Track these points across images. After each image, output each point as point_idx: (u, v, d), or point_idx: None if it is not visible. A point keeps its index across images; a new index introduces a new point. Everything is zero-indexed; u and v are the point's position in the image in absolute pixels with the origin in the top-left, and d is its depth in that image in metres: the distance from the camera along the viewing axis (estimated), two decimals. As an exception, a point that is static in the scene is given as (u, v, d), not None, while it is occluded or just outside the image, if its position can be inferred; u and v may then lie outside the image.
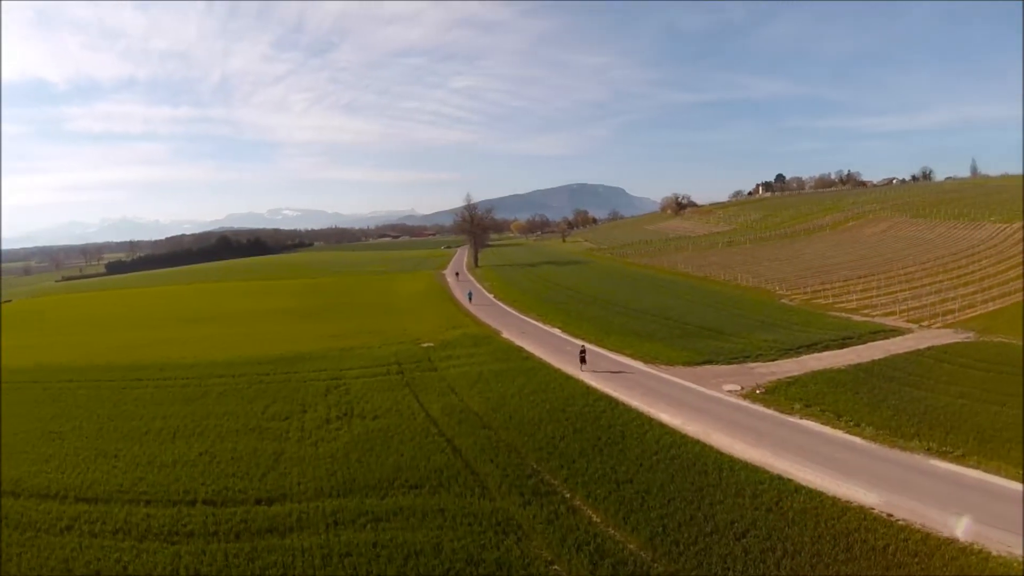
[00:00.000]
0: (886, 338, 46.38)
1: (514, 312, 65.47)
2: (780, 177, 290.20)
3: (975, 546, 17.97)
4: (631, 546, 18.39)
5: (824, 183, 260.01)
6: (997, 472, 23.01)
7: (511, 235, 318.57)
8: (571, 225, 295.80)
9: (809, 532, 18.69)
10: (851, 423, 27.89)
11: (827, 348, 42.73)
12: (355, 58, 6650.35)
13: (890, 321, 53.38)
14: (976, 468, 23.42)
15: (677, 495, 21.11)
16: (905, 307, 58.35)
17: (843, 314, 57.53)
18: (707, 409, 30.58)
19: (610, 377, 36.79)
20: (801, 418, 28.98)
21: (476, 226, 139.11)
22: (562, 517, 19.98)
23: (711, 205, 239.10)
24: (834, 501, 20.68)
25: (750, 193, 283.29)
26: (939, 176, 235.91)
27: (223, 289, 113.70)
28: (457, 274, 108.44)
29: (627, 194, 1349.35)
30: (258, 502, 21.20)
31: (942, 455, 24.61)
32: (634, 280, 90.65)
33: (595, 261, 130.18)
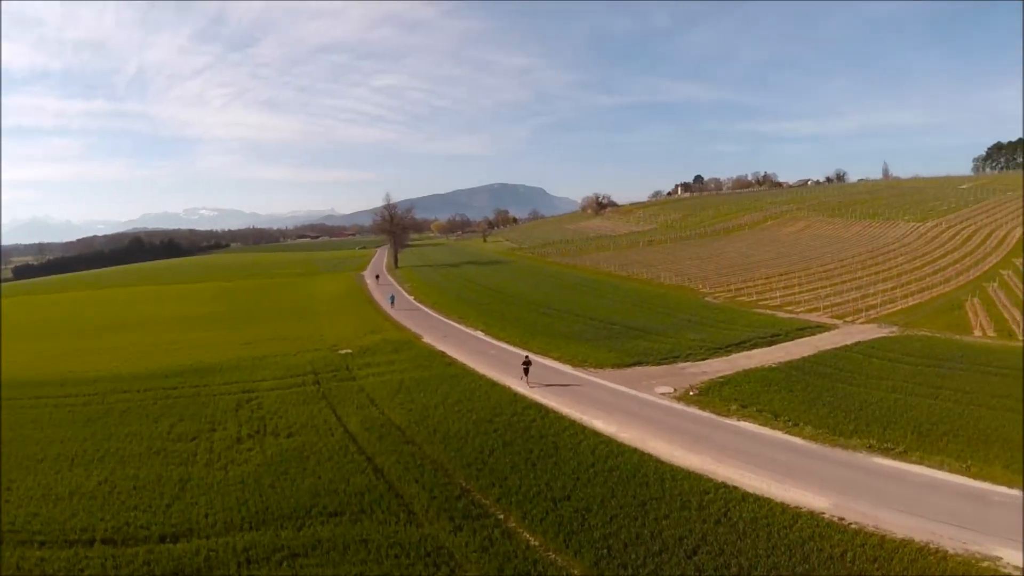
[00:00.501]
0: (813, 334, 48.06)
1: (435, 314, 64.93)
2: (699, 178, 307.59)
3: (931, 546, 18.03)
4: (575, 572, 17.23)
5: (741, 184, 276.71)
6: (941, 467, 23.63)
7: (432, 235, 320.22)
8: (492, 225, 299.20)
9: (763, 543, 18.11)
10: (789, 423, 28.18)
11: (756, 346, 43.76)
12: (277, 53, 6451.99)
13: (815, 317, 55.56)
14: (920, 464, 23.98)
15: (620, 511, 20.15)
16: (828, 303, 61.05)
17: (768, 311, 59.52)
18: (641, 413, 30.13)
19: (537, 379, 35.95)
20: (738, 419, 29.07)
21: (396, 226, 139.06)
22: (497, 543, 18.67)
23: (631, 205, 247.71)
24: (784, 508, 20.37)
25: (669, 193, 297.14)
26: (852, 178, 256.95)
27: (133, 295, 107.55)
28: (377, 276, 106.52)
29: (547, 194, 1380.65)
30: (162, 539, 19.67)
31: (884, 452, 25.15)
32: (557, 279, 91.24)
33: (517, 260, 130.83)
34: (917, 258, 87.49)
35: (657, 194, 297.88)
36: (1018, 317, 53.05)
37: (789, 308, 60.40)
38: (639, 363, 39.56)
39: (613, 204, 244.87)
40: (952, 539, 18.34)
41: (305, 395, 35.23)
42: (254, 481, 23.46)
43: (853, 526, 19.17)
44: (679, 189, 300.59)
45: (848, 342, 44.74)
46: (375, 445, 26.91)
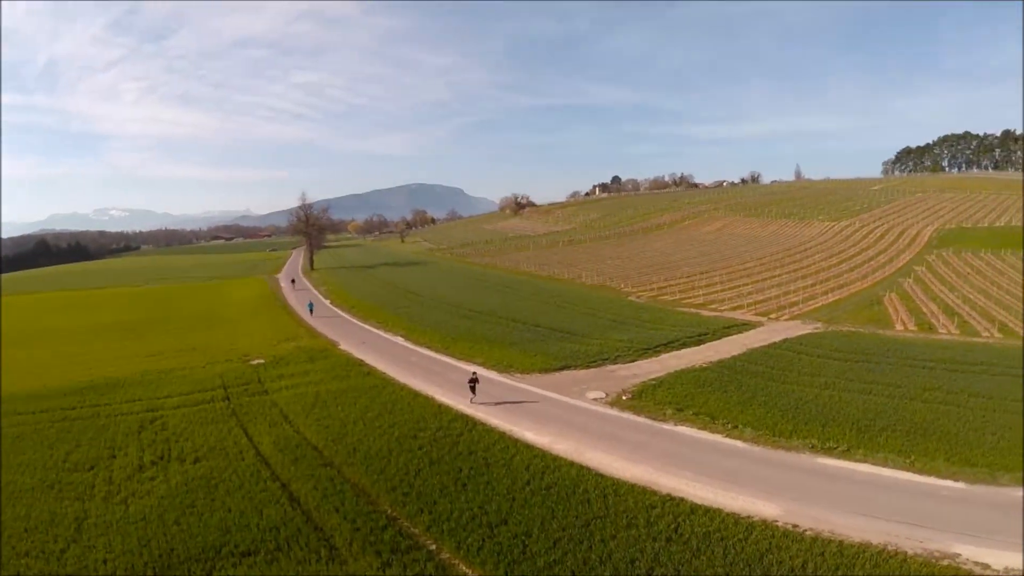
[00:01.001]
0: (740, 332, 49.32)
1: (352, 319, 62.95)
2: (616, 179, 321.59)
3: (890, 548, 18.07)
4: (520, 609, 15.89)
5: (659, 185, 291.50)
6: (885, 464, 24.10)
7: (349, 236, 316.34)
8: (410, 225, 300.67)
9: (719, 560, 17.43)
10: (728, 425, 28.19)
11: (685, 345, 44.29)
12: (193, 46, 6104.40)
13: (739, 315, 57.23)
14: (864, 462, 24.41)
15: (563, 534, 18.93)
16: (751, 301, 63.25)
17: (692, 310, 60.86)
18: (575, 422, 29.26)
19: (463, 390, 34.25)
20: (676, 424, 28.81)
21: (312, 227, 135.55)
22: (431, 578, 17.31)
23: (550, 205, 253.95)
24: (735, 519, 19.90)
25: (587, 194, 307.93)
26: (766, 179, 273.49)
27: (34, 302, 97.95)
28: (293, 280, 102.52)
29: (466, 194, 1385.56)
30: (55, 593, 17.66)
31: (827, 451, 25.45)
32: (478, 281, 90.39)
33: (436, 261, 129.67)
34: (833, 255, 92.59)
35: (575, 194, 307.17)
36: (936, 311, 56.62)
37: (713, 306, 61.96)
38: (567, 367, 38.96)
39: (532, 204, 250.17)
40: (909, 539, 18.50)
41: (214, 413, 33.21)
42: (157, 517, 21.47)
43: (809, 533, 18.97)
44: (597, 189, 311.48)
45: (775, 339, 46.05)
46: (290, 469, 25.10)
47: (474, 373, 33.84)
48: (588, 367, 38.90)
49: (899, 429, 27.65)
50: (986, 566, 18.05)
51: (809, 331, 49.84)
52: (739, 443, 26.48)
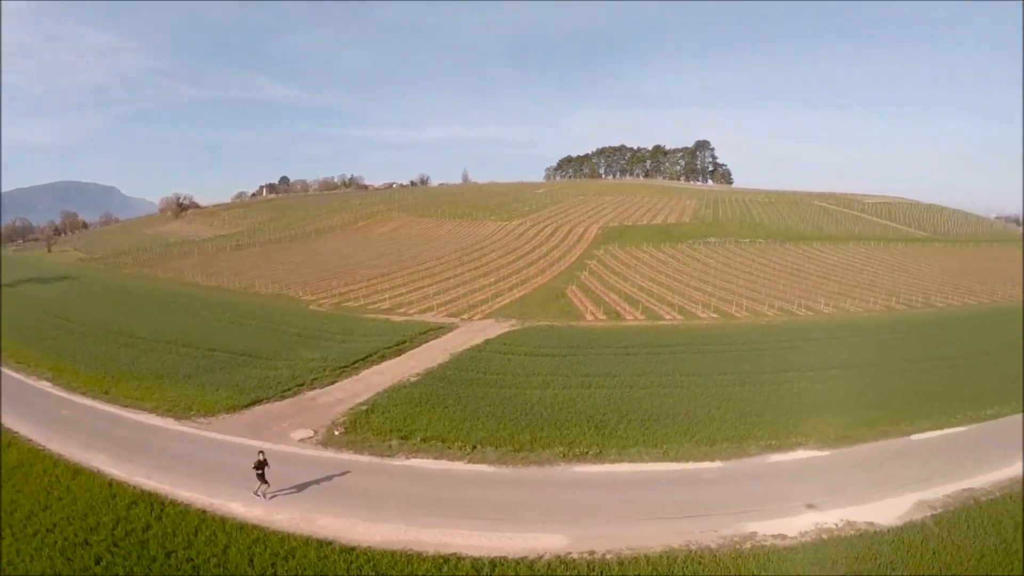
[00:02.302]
0: (437, 336, 47.96)
1: None
2: (285, 179, 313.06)
3: (695, 550, 18.16)
4: None
5: (328, 186, 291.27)
6: (641, 459, 24.50)
7: None
8: (59, 231, 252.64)
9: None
10: (465, 448, 25.63)
11: (384, 358, 41.10)
12: None
13: (431, 318, 56.17)
14: (620, 462, 24.35)
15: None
16: (439, 302, 63.06)
17: (381, 316, 58.27)
18: (288, 477, 23.30)
19: (133, 451, 26.16)
20: (407, 458, 25.33)
21: None
22: None
23: (215, 207, 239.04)
24: (528, 564, 17.54)
25: (254, 195, 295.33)
26: (434, 182, 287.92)
27: None
28: None
29: (122, 194, 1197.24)
30: None
31: (579, 457, 24.74)
32: (138, 297, 75.16)
33: (88, 275, 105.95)
34: (510, 253, 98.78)
35: (241, 195, 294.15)
36: (618, 300, 62.73)
37: (401, 310, 60.16)
38: (259, 400, 32.44)
39: (195, 205, 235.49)
40: (703, 532, 19.15)
41: None
42: None
43: (610, 557, 17.89)
44: (264, 190, 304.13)
45: (477, 341, 45.62)
46: None
47: (261, 453, 22.67)
48: (283, 397, 33.05)
49: (634, 419, 28.39)
50: (783, 536, 19.18)
51: (507, 329, 50.70)
52: (485, 467, 24.23)
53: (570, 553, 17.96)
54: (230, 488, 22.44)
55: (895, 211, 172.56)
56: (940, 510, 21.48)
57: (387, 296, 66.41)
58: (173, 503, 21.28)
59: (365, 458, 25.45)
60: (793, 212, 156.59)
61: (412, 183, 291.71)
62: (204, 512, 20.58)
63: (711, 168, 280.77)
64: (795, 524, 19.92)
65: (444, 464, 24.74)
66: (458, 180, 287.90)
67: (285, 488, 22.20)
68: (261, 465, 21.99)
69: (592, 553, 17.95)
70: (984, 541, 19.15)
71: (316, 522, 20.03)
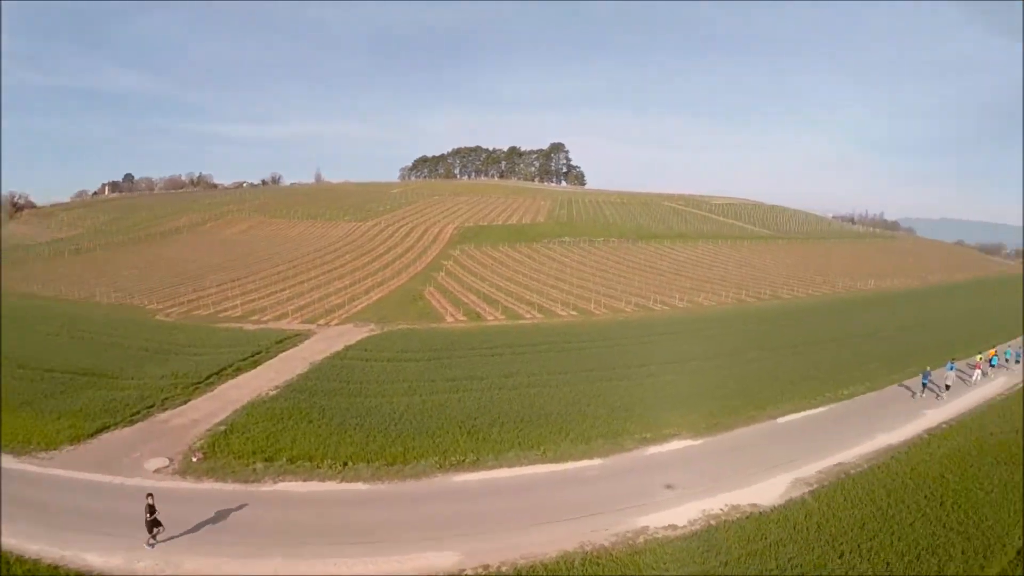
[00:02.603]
0: (295, 345, 45.57)
1: None
2: (129, 177, 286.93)
3: (590, 550, 18.53)
4: None
5: (175, 184, 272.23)
6: (521, 463, 24.67)
7: None
8: None
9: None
10: (336, 466, 24.26)
11: (240, 371, 38.33)
12: None
13: (287, 325, 53.30)
14: (499, 467, 24.36)
15: None
16: (294, 307, 60.17)
17: (234, 324, 54.50)
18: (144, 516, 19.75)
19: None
20: (275, 483, 23.41)
21: None
22: None
23: (52, 206, 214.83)
24: None
25: (95, 193, 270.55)
26: (287, 181, 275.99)
27: None
28: None
29: None
30: None
31: (456, 467, 24.35)
32: None
33: None
34: (365, 254, 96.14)
35: (81, 193, 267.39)
36: (477, 300, 62.85)
37: (255, 318, 56.75)
38: (106, 427, 28.52)
39: (32, 205, 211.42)
40: (595, 531, 19.48)
41: None
42: None
43: (505, 569, 17.63)
44: (106, 188, 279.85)
45: (337, 348, 43.96)
46: None
47: (150, 496, 19.33)
48: (132, 422, 29.46)
49: (507, 422, 28.38)
50: (673, 526, 19.90)
51: (366, 334, 49.30)
52: (359, 486, 23.00)
53: (464, 570, 17.52)
54: (83, 536, 19.46)
55: (740, 211, 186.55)
56: (816, 486, 23.35)
57: (239, 303, 62.41)
58: (20, 560, 18.12)
59: (229, 486, 23.16)
60: (644, 212, 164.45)
61: (263, 182, 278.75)
62: (56, 568, 17.80)
63: (565, 170, 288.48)
64: (683, 514, 20.71)
65: (315, 486, 23.19)
66: (311, 179, 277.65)
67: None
68: (152, 510, 18.87)
69: (487, 567, 17.58)
70: (862, 510, 21.07)
71: (183, 566, 18.00)
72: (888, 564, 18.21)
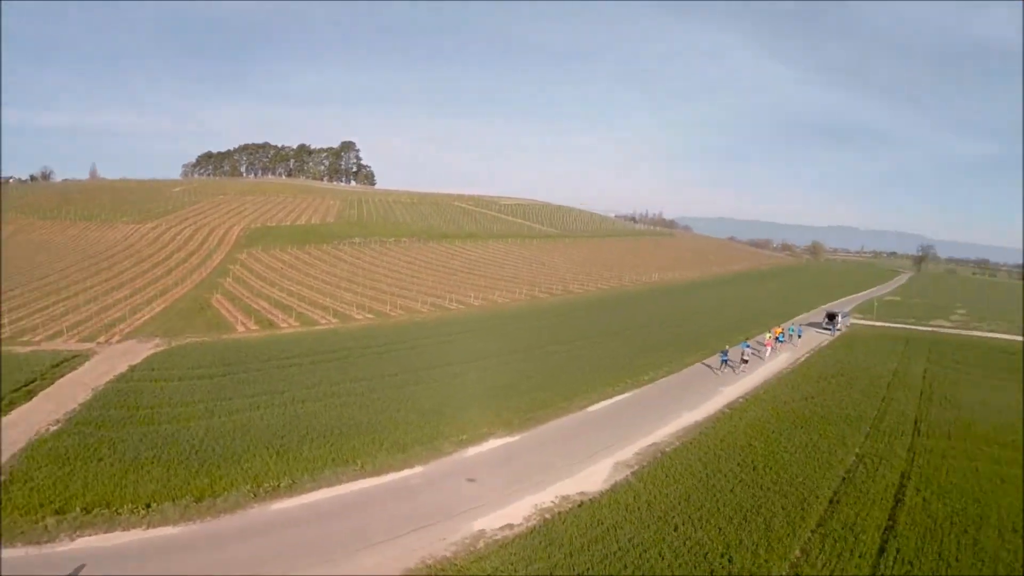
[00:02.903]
0: (74, 368, 40.76)
1: None
2: None
3: (430, 562, 18.58)
4: None
5: None
6: (341, 482, 24.41)
7: None
8: None
9: None
10: (137, 510, 21.78)
11: (13, 404, 33.28)
12: None
13: (62, 345, 47.42)
14: (318, 489, 23.69)
15: None
16: (69, 323, 53.64)
17: (3, 348, 48.34)
18: None
19: None
20: (73, 539, 20.37)
21: None
22: None
23: None
24: None
25: None
26: (59, 177, 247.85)
27: None
28: None
29: None
30: None
31: (272, 493, 23.36)
32: None
33: None
34: (144, 260, 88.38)
35: None
36: (268, 307, 61.35)
37: (25, 339, 49.75)
38: None
39: None
40: (432, 542, 19.65)
41: None
42: None
43: None
44: None
45: (121, 369, 40.20)
46: None
47: None
48: None
49: (316, 437, 27.66)
50: (510, 525, 20.53)
51: (152, 351, 45.67)
52: (169, 530, 20.75)
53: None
54: None
55: (528, 211, 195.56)
56: (637, 467, 25.42)
57: (6, 320, 55.60)
58: None
59: (19, 551, 19.52)
60: (435, 212, 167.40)
61: (32, 178, 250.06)
62: None
63: (355, 169, 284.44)
64: (516, 512, 21.59)
65: (119, 537, 20.43)
66: (85, 175, 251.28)
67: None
68: None
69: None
70: (684, 484, 23.35)
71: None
72: (720, 529, 20.18)
